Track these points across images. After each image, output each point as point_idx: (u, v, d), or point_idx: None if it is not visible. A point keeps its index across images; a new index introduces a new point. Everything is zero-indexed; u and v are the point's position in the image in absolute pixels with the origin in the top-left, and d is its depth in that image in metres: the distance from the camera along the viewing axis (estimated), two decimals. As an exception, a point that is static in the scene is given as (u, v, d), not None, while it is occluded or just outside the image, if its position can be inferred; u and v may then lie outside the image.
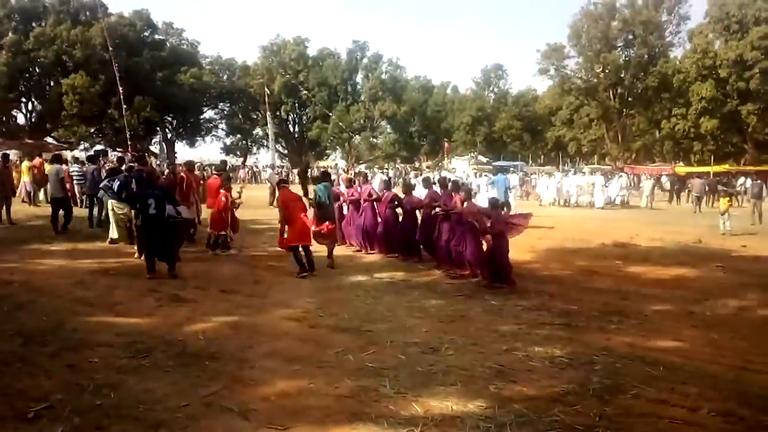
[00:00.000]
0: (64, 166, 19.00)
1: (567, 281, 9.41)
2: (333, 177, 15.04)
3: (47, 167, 17.72)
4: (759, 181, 21.28)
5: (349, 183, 13.19)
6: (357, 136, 62.07)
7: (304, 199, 9.95)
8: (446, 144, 53.39)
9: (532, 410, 4.27)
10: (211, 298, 7.66)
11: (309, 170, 23.53)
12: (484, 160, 52.55)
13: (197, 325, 6.33)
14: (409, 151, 65.69)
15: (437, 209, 10.14)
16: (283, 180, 11.71)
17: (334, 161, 62.56)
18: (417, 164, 60.46)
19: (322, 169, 15.22)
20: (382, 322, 6.62)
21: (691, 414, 4.28)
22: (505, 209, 17.20)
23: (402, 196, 11.64)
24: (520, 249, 12.53)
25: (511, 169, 38.14)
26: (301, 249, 9.44)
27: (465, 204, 9.75)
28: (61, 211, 13.23)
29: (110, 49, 28.66)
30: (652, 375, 5.06)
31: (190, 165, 13.60)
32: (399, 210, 11.55)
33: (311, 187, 10.46)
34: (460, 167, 38.00)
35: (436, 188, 11.30)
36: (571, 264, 11.00)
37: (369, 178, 16.16)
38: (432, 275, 9.64)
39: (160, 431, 3.88)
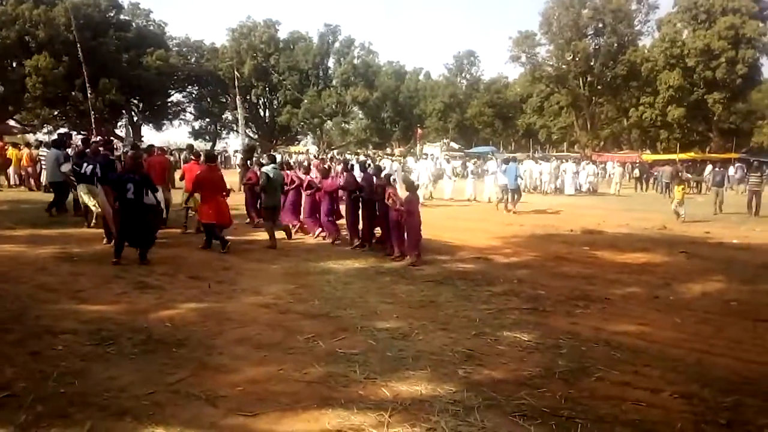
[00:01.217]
0: (33, 151, 18.55)
1: (535, 267, 9.54)
2: (305, 163, 15.16)
3: (40, 152, 17.44)
4: (721, 170, 21.48)
5: (326, 173, 12.91)
6: (329, 121, 61.71)
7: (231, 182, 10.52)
8: (418, 130, 53.44)
9: (500, 393, 4.33)
10: (179, 285, 7.55)
11: (254, 153, 23.79)
12: (456, 146, 52.81)
13: (164, 312, 6.24)
14: (381, 137, 65.64)
15: (358, 193, 10.80)
16: (211, 158, 11.11)
17: (306, 147, 62.06)
18: (389, 150, 60.42)
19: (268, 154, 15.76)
20: (352, 308, 6.62)
21: (654, 396, 4.39)
22: (515, 196, 18.55)
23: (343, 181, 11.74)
24: (490, 235, 12.71)
25: (489, 155, 38.48)
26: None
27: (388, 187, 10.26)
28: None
29: (74, 29, 27.83)
30: (617, 358, 5.18)
31: (149, 149, 13.44)
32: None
33: (261, 171, 11.01)
34: (432, 153, 38.08)
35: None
36: (539, 250, 11.14)
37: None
38: (401, 262, 9.65)
39: (126, 419, 3.82)
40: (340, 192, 11.66)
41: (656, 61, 49.14)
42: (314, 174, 12.64)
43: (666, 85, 48.38)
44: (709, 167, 33.59)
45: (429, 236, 12.22)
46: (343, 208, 11.71)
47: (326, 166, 14.89)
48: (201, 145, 56.47)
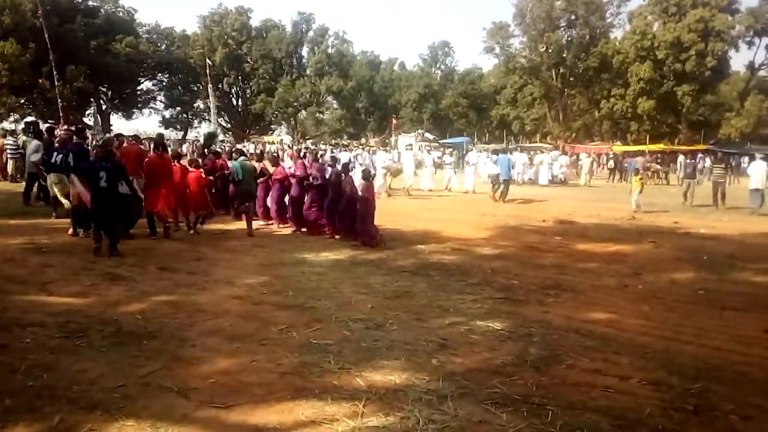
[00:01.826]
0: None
1: (509, 257, 9.63)
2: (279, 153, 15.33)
3: (6, 142, 17.05)
4: (693, 161, 21.56)
5: (276, 161, 13.03)
6: (303, 111, 61.24)
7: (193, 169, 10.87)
8: (393, 121, 53.37)
9: (473, 382, 4.37)
10: (150, 276, 7.43)
11: (214, 140, 23.88)
12: (431, 137, 52.91)
13: (134, 304, 6.15)
14: (355, 127, 65.39)
15: (311, 180, 11.12)
16: (160, 145, 11.26)
17: (279, 136, 61.48)
18: (364, 140, 60.28)
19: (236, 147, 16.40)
20: (326, 298, 6.61)
21: (623, 383, 4.48)
22: (506, 186, 18.95)
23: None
24: (464, 226, 12.79)
25: (470, 147, 38.70)
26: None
27: (344, 177, 10.83)
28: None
29: (41, 15, 27.06)
30: (587, 346, 5.26)
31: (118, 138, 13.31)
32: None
33: (230, 163, 11.51)
34: (404, 144, 38.05)
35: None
36: (513, 240, 11.26)
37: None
38: (377, 252, 9.67)
39: (96, 412, 3.76)
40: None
41: (627, 54, 49.80)
42: (289, 164, 12.79)
43: (636, 78, 49.09)
44: (681, 158, 34.35)
45: (404, 227, 12.30)
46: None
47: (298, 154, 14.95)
48: (172, 135, 55.67)
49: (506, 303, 6.68)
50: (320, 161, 12.21)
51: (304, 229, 11.40)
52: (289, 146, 35.31)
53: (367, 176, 10.89)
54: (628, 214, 15.51)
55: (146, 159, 10.64)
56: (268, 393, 4.10)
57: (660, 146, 42.48)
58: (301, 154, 13.46)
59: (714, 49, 46.45)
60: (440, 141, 48.08)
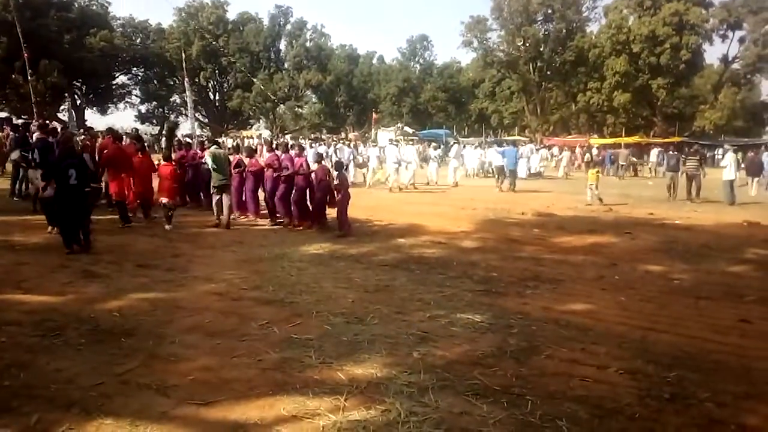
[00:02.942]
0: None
1: (489, 250, 9.70)
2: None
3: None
4: (676, 153, 20.46)
5: (251, 153, 13.27)
6: (281, 105, 60.74)
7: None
8: (373, 115, 53.26)
9: (454, 373, 4.40)
10: (127, 274, 7.34)
11: (174, 132, 24.01)
12: (410, 131, 52.92)
13: (112, 302, 6.07)
14: (335, 121, 65.12)
15: (285, 171, 11.32)
16: (117, 136, 12.18)
17: (258, 131, 60.96)
18: (344, 134, 60.10)
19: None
20: (307, 293, 6.59)
21: (601, 372, 4.55)
22: (514, 177, 20.25)
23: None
24: (445, 219, 12.84)
25: (452, 141, 38.68)
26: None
27: (317, 166, 11.14)
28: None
29: (13, 9, 26.45)
30: (565, 336, 5.33)
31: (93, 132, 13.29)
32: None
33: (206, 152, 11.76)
34: (384, 138, 37.99)
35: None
36: (493, 233, 11.33)
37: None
38: (358, 246, 9.66)
39: (73, 411, 3.71)
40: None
41: (603, 47, 50.34)
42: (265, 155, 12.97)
43: (612, 71, 49.64)
44: (655, 151, 34.81)
45: (386, 221, 12.32)
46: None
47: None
48: (148, 129, 54.89)
49: (486, 295, 6.73)
50: (296, 152, 12.22)
51: (281, 220, 11.63)
52: (265, 139, 34.97)
53: (340, 167, 11.34)
54: (604, 207, 15.70)
55: (105, 150, 11.07)
56: (249, 389, 4.08)
57: (635, 139, 42.97)
58: (288, 147, 13.47)
59: (688, 42, 47.11)
60: (418, 133, 48.09)
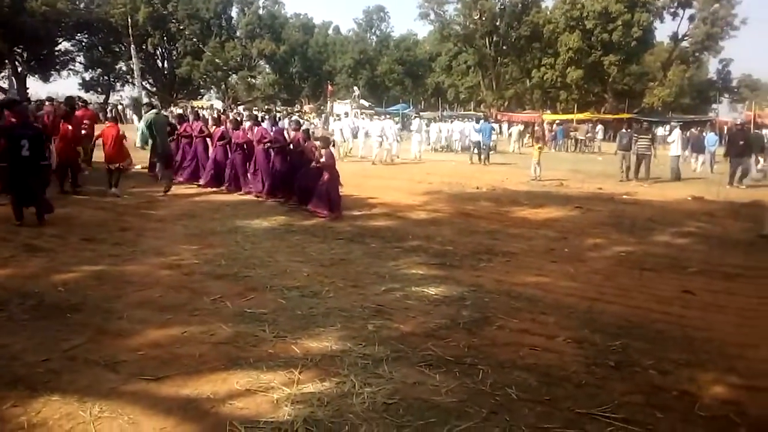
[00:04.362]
0: None
1: (444, 223, 9.78)
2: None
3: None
4: (629, 131, 19.47)
5: (237, 125, 12.64)
6: (233, 75, 59.22)
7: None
8: (329, 87, 52.54)
9: (408, 345, 4.45)
10: (72, 247, 7.08)
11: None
12: (366, 104, 52.54)
13: (56, 276, 5.86)
14: (289, 93, 63.95)
15: (269, 144, 11.19)
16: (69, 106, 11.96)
17: (209, 101, 59.31)
18: (298, 107, 59.20)
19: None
20: (261, 267, 6.51)
21: (549, 341, 4.67)
22: (488, 151, 21.87)
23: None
24: (401, 193, 12.87)
25: (413, 115, 38.53)
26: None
27: (306, 143, 10.71)
28: None
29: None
30: (516, 307, 5.45)
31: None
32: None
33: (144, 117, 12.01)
34: (339, 110, 37.60)
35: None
36: (448, 207, 11.43)
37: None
38: (312, 220, 9.58)
39: (19, 388, 3.59)
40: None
41: (557, 23, 50.77)
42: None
43: (566, 47, 50.19)
44: (600, 128, 35.57)
45: (342, 194, 12.24)
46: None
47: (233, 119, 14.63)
48: (93, 98, 52.67)
49: (441, 268, 6.79)
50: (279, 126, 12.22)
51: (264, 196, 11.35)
52: (222, 111, 34.06)
53: (328, 143, 10.59)
54: (556, 181, 16.04)
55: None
56: (201, 363, 4.02)
57: (587, 115, 43.80)
58: (259, 119, 13.30)
59: (640, 19, 47.97)
60: (376, 108, 47.79)
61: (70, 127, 10.87)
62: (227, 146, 12.35)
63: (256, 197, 11.42)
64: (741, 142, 16.64)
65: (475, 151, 22.20)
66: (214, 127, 13.42)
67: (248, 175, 11.80)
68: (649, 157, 17.12)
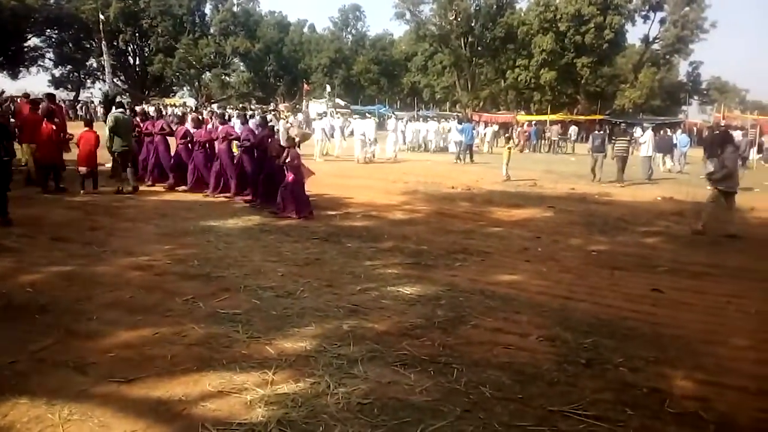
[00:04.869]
0: None
1: (419, 223, 9.81)
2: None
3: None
4: (601, 133, 19.49)
5: (199, 123, 12.50)
6: (207, 72, 58.58)
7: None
8: (305, 85, 52.28)
9: (383, 345, 4.45)
10: (40, 247, 6.92)
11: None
12: (342, 103, 52.41)
13: (24, 277, 5.72)
14: (264, 91, 63.54)
15: (234, 140, 11.24)
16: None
17: (182, 99, 58.54)
18: (274, 105, 58.77)
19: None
20: (235, 267, 6.44)
21: (523, 340, 4.72)
22: (470, 150, 23.01)
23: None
24: (376, 192, 12.87)
25: (388, 114, 38.56)
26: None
27: (271, 141, 10.76)
28: None
29: None
30: (490, 306, 5.49)
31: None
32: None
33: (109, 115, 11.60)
34: (315, 110, 37.47)
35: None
36: (423, 206, 11.47)
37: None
38: (287, 219, 9.52)
39: (-16, 392, 3.50)
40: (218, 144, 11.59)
41: (531, 25, 51.39)
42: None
43: (540, 49, 50.84)
44: (574, 129, 36.11)
45: (316, 194, 12.19)
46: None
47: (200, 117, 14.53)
48: (63, 95, 51.58)
49: (416, 268, 6.81)
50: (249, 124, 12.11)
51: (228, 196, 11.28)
52: (193, 109, 33.62)
53: (293, 142, 10.42)
54: (529, 181, 16.22)
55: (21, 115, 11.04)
56: (173, 365, 3.96)
57: (560, 116, 44.39)
58: (226, 117, 13.18)
59: (612, 22, 48.83)
60: (351, 107, 47.73)
61: (54, 127, 10.70)
62: (188, 145, 12.13)
63: (224, 197, 11.27)
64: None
65: (459, 150, 23.09)
66: (177, 125, 13.34)
67: (213, 174, 11.59)
68: (627, 158, 17.08)
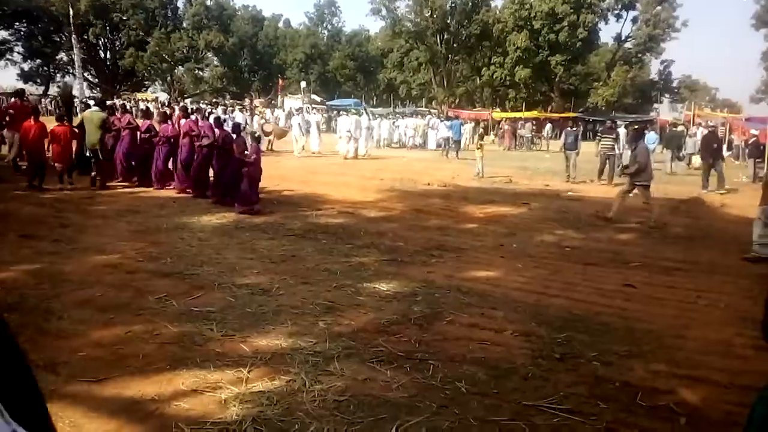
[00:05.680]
0: None
1: (395, 220, 9.81)
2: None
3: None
4: (574, 130, 19.05)
5: (165, 118, 12.31)
6: (180, 67, 57.67)
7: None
8: (280, 81, 51.86)
9: (359, 341, 4.44)
10: (8, 245, 6.76)
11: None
12: (318, 99, 52.13)
13: (-10, 275, 5.58)
14: (238, 86, 62.80)
15: (195, 137, 11.02)
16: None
17: (155, 94, 57.56)
18: (248, 101, 58.19)
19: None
20: (209, 264, 6.37)
21: (498, 335, 4.76)
22: (458, 146, 24.34)
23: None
24: (353, 189, 12.83)
25: (361, 110, 38.42)
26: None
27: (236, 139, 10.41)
28: None
29: None
30: (466, 302, 5.52)
31: None
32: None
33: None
34: (291, 105, 37.20)
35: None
36: (399, 203, 11.48)
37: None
38: (263, 216, 9.45)
39: (-53, 394, 3.38)
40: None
41: (506, 23, 51.69)
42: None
43: (514, 46, 51.18)
44: (548, 126, 36.54)
45: (291, 190, 12.13)
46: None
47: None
48: (32, 89, 50.36)
49: (392, 264, 6.81)
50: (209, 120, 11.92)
51: (189, 191, 11.09)
52: (166, 104, 33.09)
53: (255, 138, 10.72)
54: (505, 178, 16.35)
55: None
56: (146, 364, 3.90)
57: (534, 113, 44.79)
58: (189, 111, 12.96)
59: (585, 20, 49.34)
60: (327, 103, 47.52)
61: (38, 124, 10.55)
62: (152, 140, 11.95)
63: (185, 193, 11.17)
64: (714, 146, 16.08)
65: (446, 146, 24.57)
66: (142, 120, 13.20)
67: (178, 169, 11.45)
68: (614, 157, 16.32)
